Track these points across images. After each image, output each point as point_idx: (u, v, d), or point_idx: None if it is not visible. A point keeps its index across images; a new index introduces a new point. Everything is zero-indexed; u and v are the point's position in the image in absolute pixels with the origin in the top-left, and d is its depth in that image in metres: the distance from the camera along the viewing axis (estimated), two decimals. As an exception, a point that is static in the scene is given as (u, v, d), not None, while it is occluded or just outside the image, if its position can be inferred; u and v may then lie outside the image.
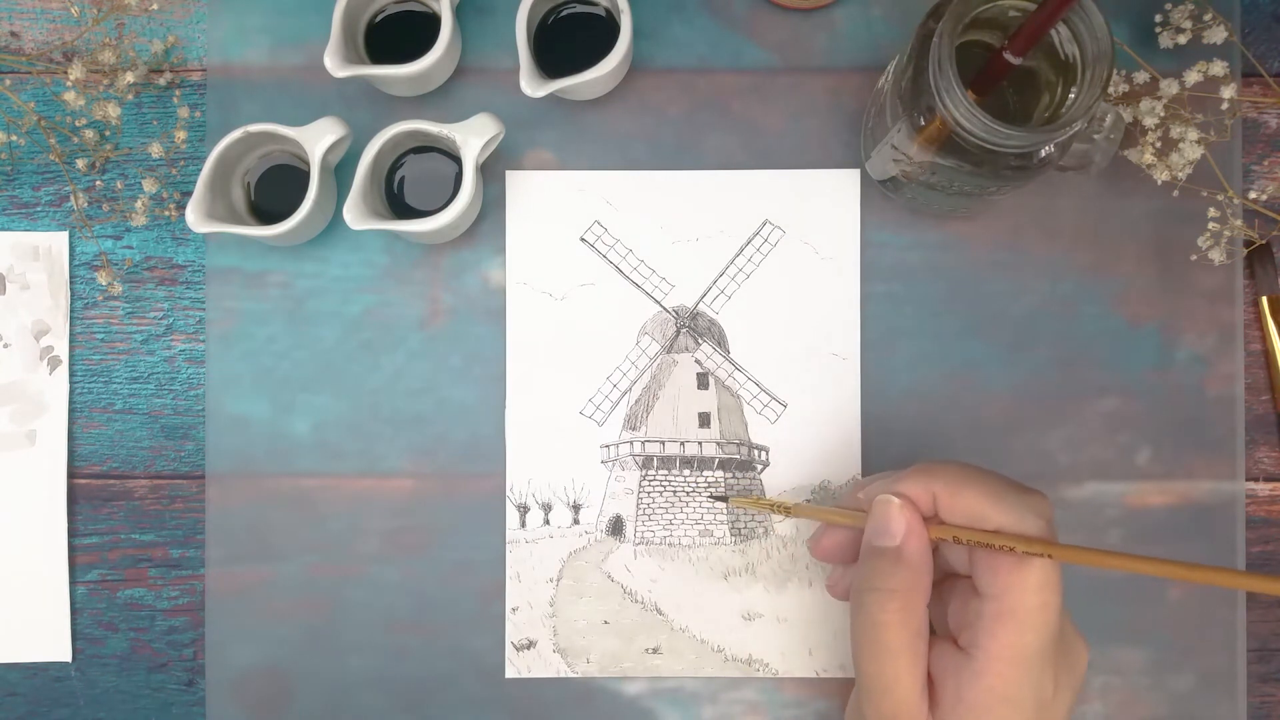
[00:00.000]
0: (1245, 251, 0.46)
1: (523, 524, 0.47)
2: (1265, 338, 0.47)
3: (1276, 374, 0.46)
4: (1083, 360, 0.47)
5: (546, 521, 0.47)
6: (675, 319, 0.47)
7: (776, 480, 0.47)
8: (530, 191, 0.47)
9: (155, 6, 0.45)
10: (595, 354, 0.47)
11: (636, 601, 0.46)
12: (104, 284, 0.46)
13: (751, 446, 0.47)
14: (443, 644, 0.47)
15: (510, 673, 0.46)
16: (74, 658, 0.47)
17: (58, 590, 0.47)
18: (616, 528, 0.47)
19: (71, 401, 0.47)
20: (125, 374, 0.47)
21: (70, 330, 0.47)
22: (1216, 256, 0.44)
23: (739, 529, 0.47)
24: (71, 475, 0.47)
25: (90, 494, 0.47)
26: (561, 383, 0.47)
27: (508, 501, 0.47)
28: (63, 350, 0.47)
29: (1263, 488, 0.47)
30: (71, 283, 0.47)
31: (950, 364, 0.47)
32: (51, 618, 0.47)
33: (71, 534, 0.47)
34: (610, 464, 0.47)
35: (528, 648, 0.46)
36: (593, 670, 0.46)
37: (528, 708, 0.46)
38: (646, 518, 0.47)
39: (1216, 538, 0.46)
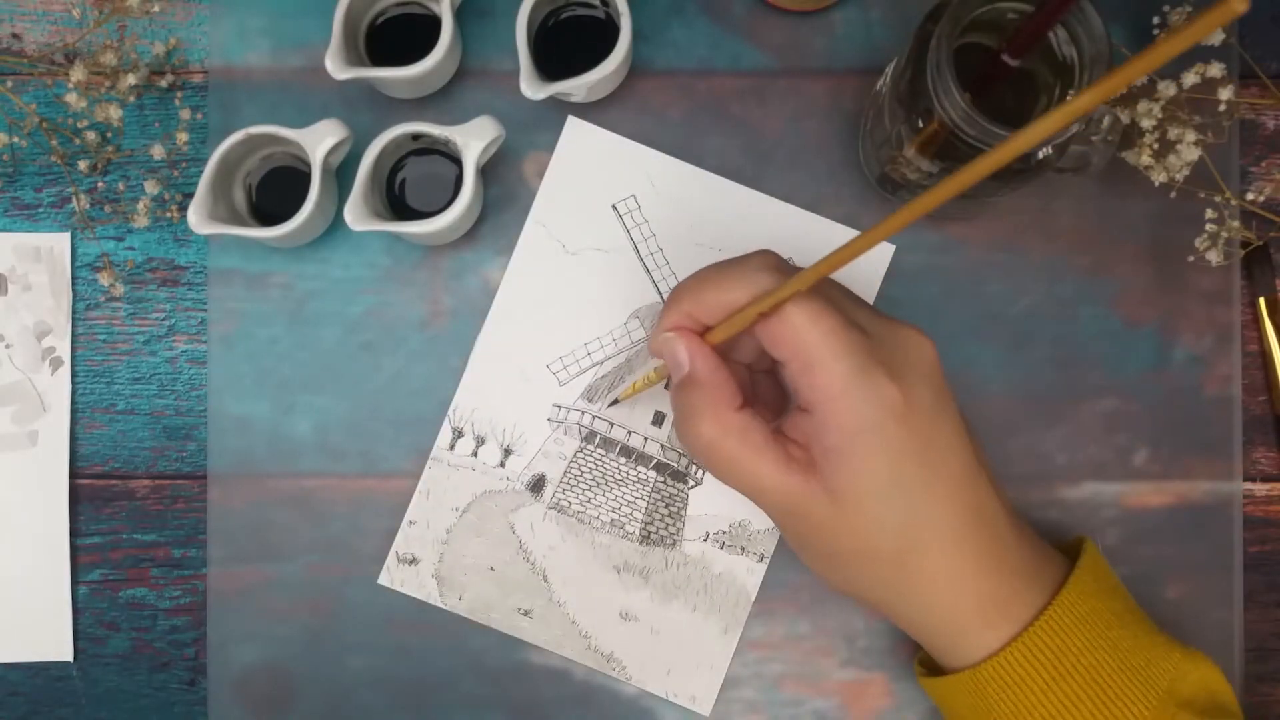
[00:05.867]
0: (1243, 253, 0.46)
1: (452, 447, 0.47)
2: (1262, 339, 0.47)
3: (1274, 375, 0.47)
4: (1080, 361, 0.47)
5: (475, 454, 0.47)
6: None
7: (701, 501, 0.47)
8: (584, 142, 0.47)
9: (156, 9, 0.45)
10: (583, 317, 0.47)
11: (528, 561, 0.46)
12: (106, 285, 0.46)
13: (692, 460, 0.47)
14: (443, 644, 0.47)
15: (383, 580, 0.46)
16: (76, 657, 0.47)
17: (59, 590, 0.47)
18: (537, 485, 0.47)
19: (73, 402, 0.47)
20: (127, 375, 0.47)
21: (72, 331, 0.47)
22: (1214, 258, 0.44)
23: (649, 533, 0.46)
24: (73, 475, 0.47)
25: (92, 494, 0.47)
26: (541, 329, 0.47)
27: (446, 420, 0.47)
28: (65, 351, 0.47)
29: (1260, 488, 0.47)
30: (73, 284, 0.47)
31: (948, 365, 0.46)
32: (53, 617, 0.47)
33: (73, 534, 0.47)
34: (555, 424, 0.47)
35: (410, 563, 0.46)
36: (460, 608, 0.46)
37: (527, 707, 0.47)
38: (569, 487, 0.47)
39: (1214, 538, 0.46)
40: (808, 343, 0.34)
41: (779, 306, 0.34)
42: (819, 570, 0.39)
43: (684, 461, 0.47)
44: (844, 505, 0.35)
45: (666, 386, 0.46)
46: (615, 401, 0.47)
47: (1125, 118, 0.43)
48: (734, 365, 0.39)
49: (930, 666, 0.41)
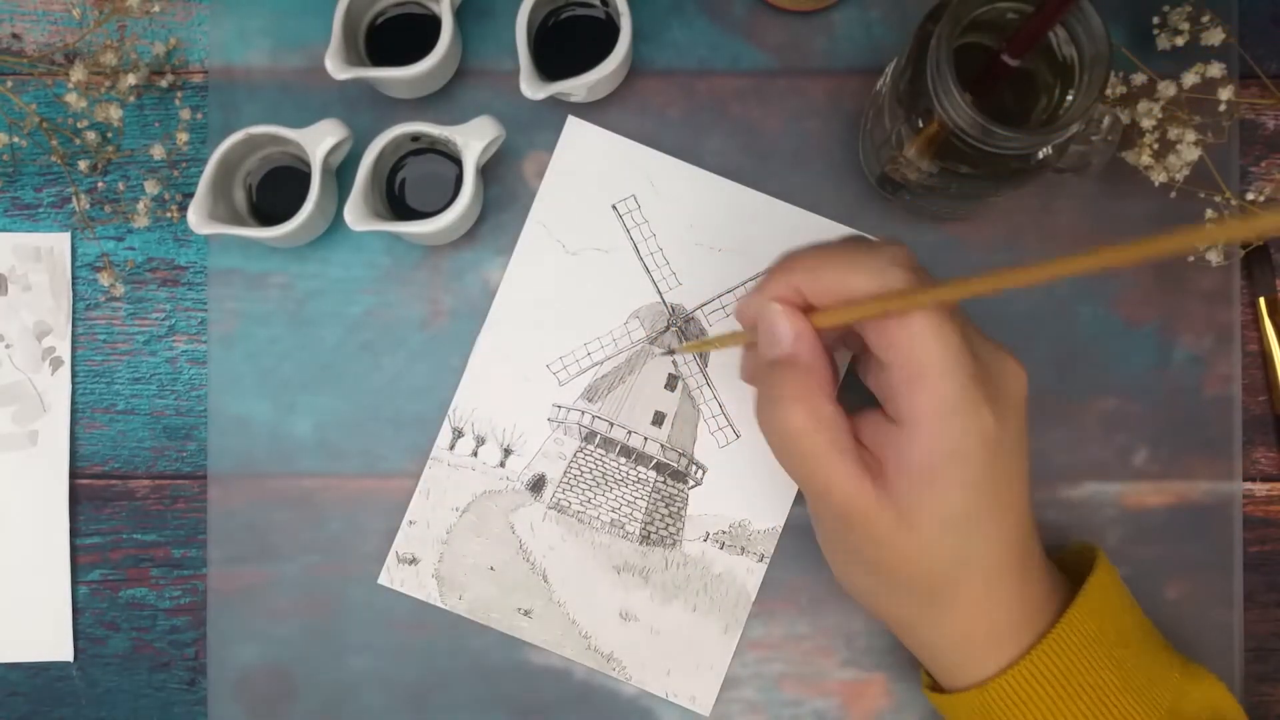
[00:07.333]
0: (1243, 253, 0.46)
1: (452, 447, 0.47)
2: (1262, 338, 0.47)
3: (1273, 375, 0.47)
4: (1080, 361, 0.47)
5: (475, 454, 0.47)
6: (669, 315, 0.47)
7: (701, 501, 0.46)
8: (584, 142, 0.47)
9: (156, 9, 0.45)
10: (583, 317, 0.47)
11: (528, 561, 0.46)
12: (106, 285, 0.46)
13: (692, 460, 0.47)
14: (443, 644, 0.47)
15: (383, 580, 0.46)
16: (76, 657, 0.47)
17: (59, 590, 0.47)
18: (537, 485, 0.47)
19: (73, 402, 0.47)
20: (127, 375, 0.47)
21: (72, 331, 0.47)
22: (1214, 258, 0.44)
23: (649, 533, 0.46)
24: (73, 475, 0.47)
25: (92, 494, 0.47)
26: (540, 330, 0.47)
27: (446, 420, 0.47)
28: (64, 351, 0.47)
29: (1260, 488, 0.47)
30: (74, 284, 0.47)
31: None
32: (53, 617, 0.47)
33: (73, 534, 0.47)
34: (555, 424, 0.47)
35: (410, 563, 0.46)
36: (460, 608, 0.46)
37: (527, 707, 0.47)
38: (569, 487, 0.47)
39: (1214, 538, 0.46)
40: (925, 355, 0.32)
41: (907, 310, 0.32)
42: (846, 577, 0.38)
43: (684, 461, 0.47)
44: (907, 526, 0.33)
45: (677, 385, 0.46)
46: (670, 351, 0.46)
47: (1125, 118, 0.43)
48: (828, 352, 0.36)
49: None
